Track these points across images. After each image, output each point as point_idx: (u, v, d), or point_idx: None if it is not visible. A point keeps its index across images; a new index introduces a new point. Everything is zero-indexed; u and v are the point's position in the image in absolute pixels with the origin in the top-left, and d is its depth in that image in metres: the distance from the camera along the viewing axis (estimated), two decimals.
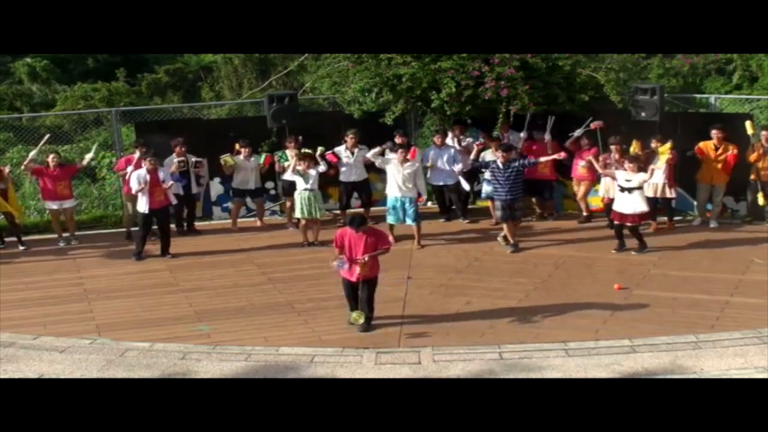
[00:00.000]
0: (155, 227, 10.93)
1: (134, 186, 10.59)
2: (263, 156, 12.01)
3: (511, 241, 10.70)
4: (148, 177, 10.49)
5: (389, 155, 11.02)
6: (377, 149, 11.05)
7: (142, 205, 10.63)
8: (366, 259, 7.80)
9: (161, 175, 10.67)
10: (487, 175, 11.25)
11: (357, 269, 7.87)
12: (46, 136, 12.26)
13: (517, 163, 10.50)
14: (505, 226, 10.70)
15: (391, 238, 9.87)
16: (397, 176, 10.76)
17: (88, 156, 12.11)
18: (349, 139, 11.82)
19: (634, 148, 11.03)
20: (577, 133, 11.46)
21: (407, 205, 10.75)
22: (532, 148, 11.79)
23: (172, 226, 12.03)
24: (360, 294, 7.97)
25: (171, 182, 10.81)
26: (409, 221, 10.77)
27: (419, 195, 11.14)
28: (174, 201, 11.08)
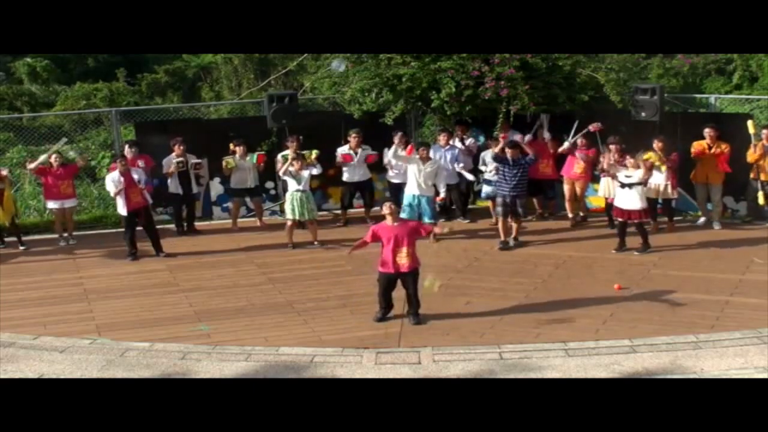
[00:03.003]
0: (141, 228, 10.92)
1: (110, 189, 10.65)
2: (255, 155, 11.98)
3: (502, 238, 10.74)
4: (122, 179, 10.50)
5: (401, 152, 11.02)
6: (393, 150, 11.02)
7: (121, 208, 10.69)
8: (445, 229, 8.44)
9: (135, 176, 10.66)
10: (488, 175, 11.27)
11: (401, 260, 7.98)
12: (63, 140, 12.27)
13: (524, 161, 10.56)
14: (500, 222, 10.73)
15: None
16: (418, 175, 10.76)
17: (60, 143, 12.13)
18: (353, 139, 11.83)
19: (649, 156, 10.88)
20: (568, 143, 11.43)
21: (424, 203, 10.75)
22: (533, 148, 11.78)
23: (172, 226, 12.07)
24: (407, 290, 8.15)
25: (143, 184, 10.76)
26: (426, 219, 10.69)
27: (437, 194, 11.08)
28: (150, 201, 11.06)
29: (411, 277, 8.11)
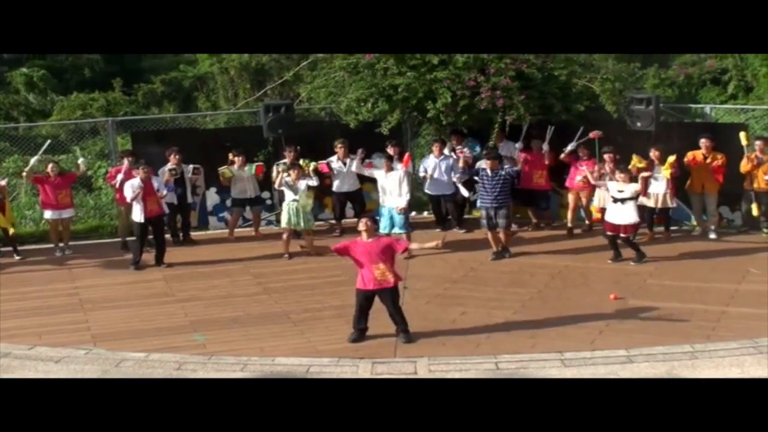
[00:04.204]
0: (151, 237, 10.92)
1: (128, 195, 10.60)
2: (254, 165, 12.01)
3: (494, 248, 10.75)
4: (141, 185, 10.50)
5: (377, 163, 11.09)
6: (356, 163, 11.12)
7: (137, 215, 10.62)
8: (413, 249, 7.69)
9: (155, 183, 10.67)
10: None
11: (378, 277, 7.74)
12: (47, 143, 12.25)
13: (504, 172, 10.56)
14: (489, 234, 10.72)
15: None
16: (384, 185, 10.82)
17: (81, 160, 12.30)
18: (339, 149, 11.85)
19: (635, 162, 10.93)
20: (570, 147, 11.45)
21: (395, 213, 10.78)
22: (528, 159, 11.81)
23: (168, 236, 12.03)
24: (387, 308, 7.90)
25: (165, 192, 10.82)
26: (397, 229, 10.74)
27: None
28: (167, 210, 11.08)
29: (388, 295, 7.86)
